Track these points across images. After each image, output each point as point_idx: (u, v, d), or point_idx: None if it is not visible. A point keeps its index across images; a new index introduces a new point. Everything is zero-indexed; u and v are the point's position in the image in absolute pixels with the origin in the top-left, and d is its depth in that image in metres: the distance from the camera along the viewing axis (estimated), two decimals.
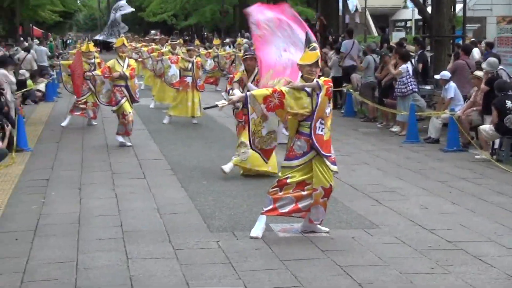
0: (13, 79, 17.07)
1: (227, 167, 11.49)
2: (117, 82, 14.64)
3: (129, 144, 14.67)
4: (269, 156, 8.68)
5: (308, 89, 8.00)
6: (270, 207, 8.15)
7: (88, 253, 7.61)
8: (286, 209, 8.17)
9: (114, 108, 14.72)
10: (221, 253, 7.61)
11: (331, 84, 8.19)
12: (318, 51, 8.13)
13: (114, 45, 17.50)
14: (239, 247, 7.79)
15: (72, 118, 17.75)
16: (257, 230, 8.18)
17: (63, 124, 17.57)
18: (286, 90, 7.98)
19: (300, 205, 8.16)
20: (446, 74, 15.61)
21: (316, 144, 7.97)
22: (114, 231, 8.44)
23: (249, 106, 8.04)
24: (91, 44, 18.47)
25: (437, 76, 16.11)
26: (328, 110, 8.08)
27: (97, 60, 17.75)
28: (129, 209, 9.50)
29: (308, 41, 8.17)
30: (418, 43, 20.49)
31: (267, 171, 11.33)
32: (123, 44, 15.03)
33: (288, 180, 8.12)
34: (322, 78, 8.13)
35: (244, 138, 10.91)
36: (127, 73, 14.56)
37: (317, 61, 8.06)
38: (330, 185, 8.09)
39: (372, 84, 18.91)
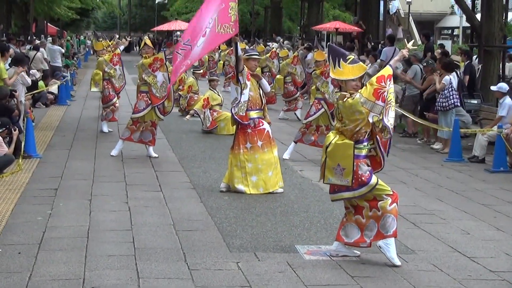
0: (29, 81, 17.33)
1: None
2: (142, 88, 14.50)
3: (155, 155, 14.66)
4: None
5: None
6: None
7: (96, 270, 7.64)
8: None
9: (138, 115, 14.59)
10: (241, 275, 7.61)
11: None
12: (361, 63, 8.11)
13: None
14: (260, 270, 7.79)
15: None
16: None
17: (105, 130, 17.98)
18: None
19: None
20: (503, 86, 15.31)
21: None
22: (125, 247, 8.47)
23: None
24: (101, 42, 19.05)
25: (493, 88, 15.66)
26: None
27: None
28: (142, 224, 9.53)
29: (339, 54, 8.05)
30: (465, 53, 20.37)
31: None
32: (145, 44, 14.87)
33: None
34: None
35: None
36: None
37: (364, 74, 8.03)
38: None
39: (417, 97, 18.53)
